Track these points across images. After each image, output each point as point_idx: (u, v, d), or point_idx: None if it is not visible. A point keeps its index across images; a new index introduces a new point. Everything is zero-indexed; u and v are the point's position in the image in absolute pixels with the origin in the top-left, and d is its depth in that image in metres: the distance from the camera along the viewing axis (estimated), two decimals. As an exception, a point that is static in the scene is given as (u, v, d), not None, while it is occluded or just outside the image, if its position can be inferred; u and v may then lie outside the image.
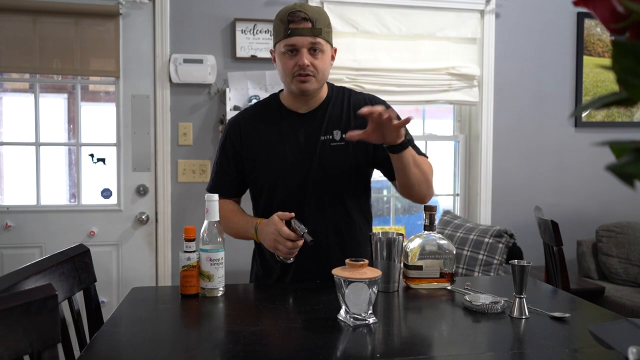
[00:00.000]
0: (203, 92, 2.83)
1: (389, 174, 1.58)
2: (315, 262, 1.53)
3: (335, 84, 1.64)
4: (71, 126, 2.88)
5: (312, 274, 1.52)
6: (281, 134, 1.55)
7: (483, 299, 1.29)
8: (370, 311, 1.17)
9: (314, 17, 1.44)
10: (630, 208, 3.28)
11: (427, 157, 1.58)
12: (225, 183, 1.61)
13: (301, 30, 1.43)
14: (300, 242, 1.40)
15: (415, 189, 1.50)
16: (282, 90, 1.61)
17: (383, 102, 1.60)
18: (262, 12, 2.85)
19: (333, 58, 1.54)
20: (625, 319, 0.92)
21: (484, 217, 3.13)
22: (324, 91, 1.58)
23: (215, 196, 1.41)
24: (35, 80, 2.78)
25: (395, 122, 1.32)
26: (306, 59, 1.44)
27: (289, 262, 1.47)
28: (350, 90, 1.62)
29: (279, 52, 1.49)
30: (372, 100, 1.60)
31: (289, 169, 1.53)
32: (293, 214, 1.41)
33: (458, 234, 2.81)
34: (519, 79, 3.15)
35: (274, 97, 1.62)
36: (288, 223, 1.41)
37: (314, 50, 1.46)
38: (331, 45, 1.52)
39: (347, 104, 1.57)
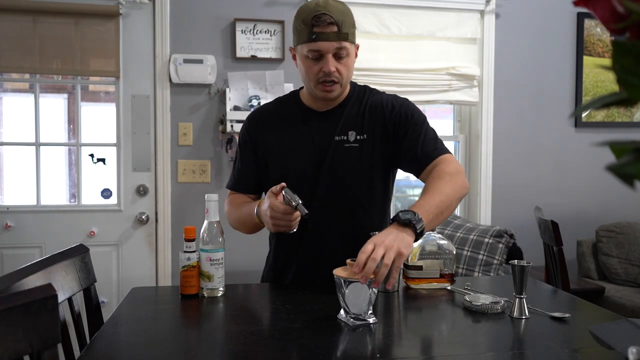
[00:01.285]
0: (203, 92, 2.82)
1: (414, 171, 1.48)
2: (317, 264, 1.49)
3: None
4: (71, 126, 2.88)
5: (314, 276, 1.49)
6: (297, 131, 1.51)
7: (483, 299, 1.29)
8: (370, 311, 1.17)
9: (340, 19, 1.36)
10: (630, 208, 3.28)
11: (447, 153, 1.44)
12: (246, 178, 1.57)
13: (327, 35, 1.35)
14: (297, 213, 1.32)
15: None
16: (302, 87, 1.56)
17: (404, 101, 1.51)
18: (262, 12, 2.85)
19: (356, 55, 1.46)
20: (625, 319, 0.92)
21: (484, 217, 3.13)
22: (345, 90, 1.51)
23: (215, 196, 1.40)
24: (35, 80, 2.77)
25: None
26: (332, 65, 1.38)
27: (291, 232, 1.39)
28: (371, 90, 1.55)
29: (301, 55, 1.42)
30: (390, 101, 1.51)
31: (300, 167, 1.49)
32: (284, 184, 1.35)
33: (458, 234, 2.80)
34: (519, 79, 3.15)
35: (294, 94, 1.57)
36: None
37: (339, 55, 1.39)
38: (354, 43, 1.44)
39: (364, 105, 1.50)
